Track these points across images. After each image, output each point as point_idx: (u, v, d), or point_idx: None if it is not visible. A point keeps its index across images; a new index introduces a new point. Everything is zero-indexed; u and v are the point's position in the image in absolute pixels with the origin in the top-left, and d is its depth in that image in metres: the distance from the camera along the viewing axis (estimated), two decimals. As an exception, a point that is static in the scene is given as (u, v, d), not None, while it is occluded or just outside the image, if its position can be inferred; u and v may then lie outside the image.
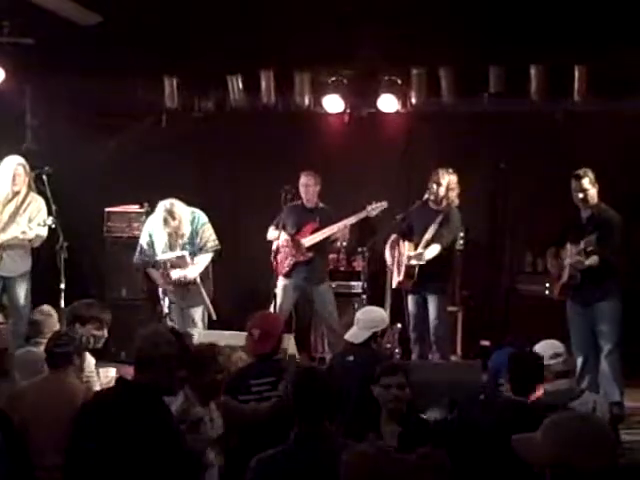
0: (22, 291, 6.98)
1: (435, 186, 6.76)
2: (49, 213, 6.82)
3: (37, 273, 7.11)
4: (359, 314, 5.37)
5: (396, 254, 6.79)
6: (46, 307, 5.69)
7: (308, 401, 3.22)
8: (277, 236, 7.14)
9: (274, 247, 7.20)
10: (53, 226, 6.66)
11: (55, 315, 5.55)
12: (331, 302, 7.30)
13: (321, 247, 7.24)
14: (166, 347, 3.36)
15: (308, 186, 7.23)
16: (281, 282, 7.16)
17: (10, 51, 7.50)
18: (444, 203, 6.77)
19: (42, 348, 4.91)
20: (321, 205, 7.32)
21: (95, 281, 7.96)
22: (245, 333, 4.80)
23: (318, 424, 3.19)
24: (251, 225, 7.67)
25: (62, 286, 6.59)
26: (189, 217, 6.79)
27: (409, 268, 6.65)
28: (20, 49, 7.47)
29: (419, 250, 6.63)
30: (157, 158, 8.03)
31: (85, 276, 7.70)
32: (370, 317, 5.23)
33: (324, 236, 7.17)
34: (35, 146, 8.18)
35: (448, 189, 6.75)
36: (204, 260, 6.84)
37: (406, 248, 6.73)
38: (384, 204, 7.11)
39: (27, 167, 7.03)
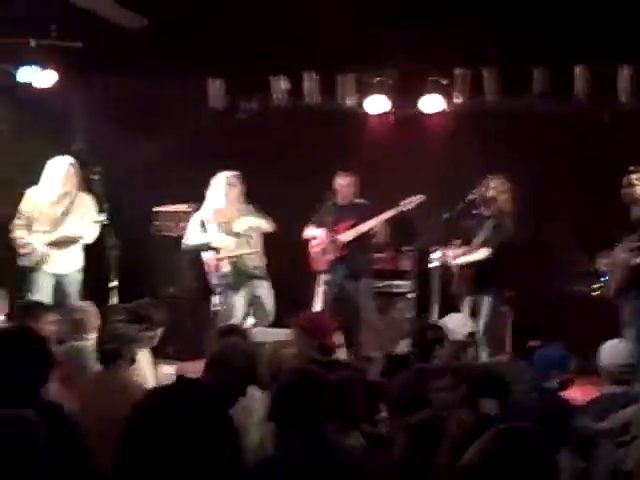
0: (73, 288, 7.09)
1: (485, 190, 6.77)
2: (100, 211, 6.94)
3: (88, 271, 7.23)
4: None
5: (450, 259, 6.80)
6: (85, 304, 5.76)
7: (302, 402, 3.15)
8: (315, 234, 7.25)
9: (312, 244, 7.32)
10: (106, 222, 6.80)
11: (95, 312, 5.59)
12: (370, 299, 7.37)
13: (359, 243, 7.29)
14: (240, 355, 3.37)
15: (342, 186, 7.33)
16: (321, 279, 7.26)
17: (60, 54, 7.65)
18: (494, 207, 6.79)
19: (85, 344, 5.09)
20: (357, 201, 7.39)
21: (144, 278, 8.00)
22: (285, 330, 4.93)
23: (313, 425, 3.10)
24: (293, 224, 7.75)
25: (114, 283, 6.71)
26: None
27: (462, 270, 6.68)
28: (69, 52, 7.59)
29: (470, 254, 6.68)
30: (202, 158, 8.07)
31: (135, 274, 7.70)
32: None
33: (361, 232, 7.23)
34: (84, 146, 8.28)
35: (498, 192, 6.75)
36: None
37: (457, 252, 6.78)
38: (419, 198, 7.15)
39: (77, 167, 7.17)
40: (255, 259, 7.11)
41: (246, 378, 3.42)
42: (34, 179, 7.22)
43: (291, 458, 3.09)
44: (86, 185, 7.15)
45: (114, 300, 6.68)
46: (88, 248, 7.20)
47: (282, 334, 5.62)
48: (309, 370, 3.42)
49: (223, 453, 2.93)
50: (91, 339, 4.98)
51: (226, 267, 7.12)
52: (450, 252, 6.83)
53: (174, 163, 8.15)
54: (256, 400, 3.98)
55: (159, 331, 5.11)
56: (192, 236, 7.26)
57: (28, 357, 3.07)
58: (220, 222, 7.12)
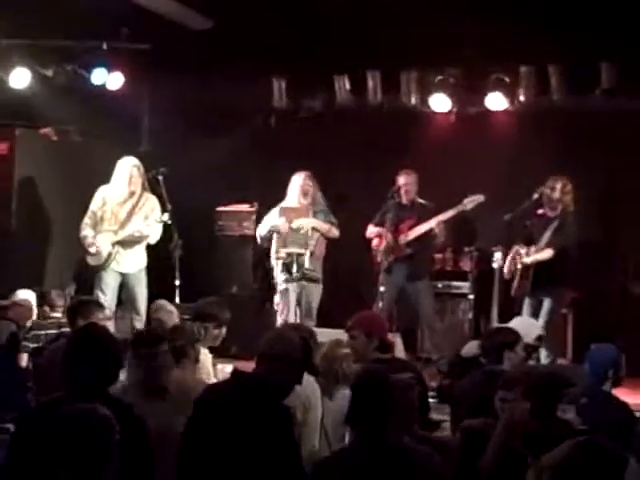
0: (139, 287, 7.19)
1: (549, 191, 6.68)
2: (164, 211, 7.05)
3: (152, 270, 7.30)
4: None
5: (513, 262, 6.73)
6: (165, 303, 5.84)
7: (366, 404, 3.16)
8: (377, 232, 7.27)
9: (374, 244, 7.31)
10: (169, 222, 6.89)
11: (175, 311, 5.71)
12: (430, 300, 7.34)
13: (421, 243, 7.28)
14: (291, 346, 3.33)
15: (407, 184, 7.31)
16: (382, 279, 7.21)
17: (127, 56, 7.78)
18: (559, 208, 6.72)
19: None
20: (419, 201, 7.37)
21: (207, 278, 8.10)
22: (338, 331, 4.88)
23: (376, 428, 3.10)
24: (355, 223, 7.72)
25: (177, 282, 6.84)
26: None
27: (524, 270, 6.62)
28: (137, 54, 7.73)
29: (533, 255, 6.62)
30: (265, 158, 8.18)
31: (198, 273, 7.83)
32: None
33: (422, 232, 7.21)
34: (150, 147, 8.50)
35: (563, 193, 6.67)
36: None
37: (520, 253, 6.70)
38: (480, 198, 7.09)
39: (142, 168, 7.27)
40: (309, 260, 7.10)
41: (299, 367, 3.38)
42: (102, 179, 7.34)
43: (354, 458, 3.12)
44: (151, 185, 7.28)
45: (177, 299, 6.82)
46: (152, 248, 7.26)
47: (338, 334, 5.60)
48: (379, 371, 3.44)
49: (280, 444, 3.14)
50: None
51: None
52: (513, 253, 6.75)
53: (237, 163, 8.24)
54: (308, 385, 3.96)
55: (223, 330, 5.11)
56: (261, 227, 7.36)
57: (98, 355, 3.12)
58: (287, 218, 7.20)
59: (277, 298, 7.12)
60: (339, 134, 8.26)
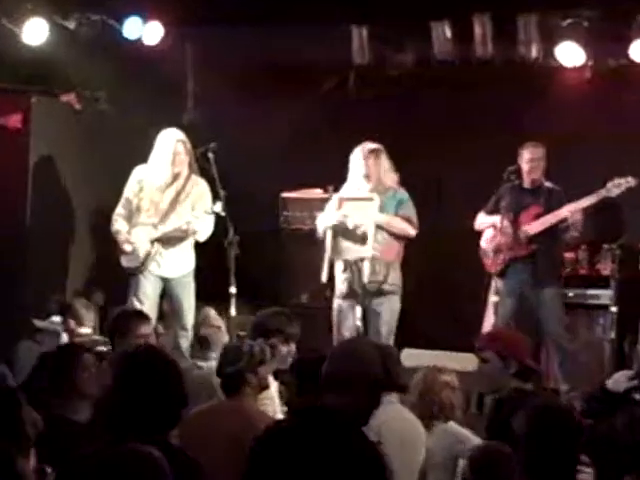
0: (185, 295, 7.18)
1: None
2: (216, 199, 6.98)
3: (201, 274, 7.29)
4: None
5: None
6: (213, 315, 5.99)
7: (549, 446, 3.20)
8: (490, 224, 7.19)
9: (486, 238, 7.29)
10: (223, 213, 6.81)
11: (223, 326, 5.84)
12: (559, 313, 7.27)
13: (548, 238, 7.18)
14: (367, 365, 3.34)
15: (533, 161, 7.25)
16: (494, 285, 7.24)
17: (168, 3, 7.79)
18: None
19: (211, 365, 5.28)
20: (547, 184, 7.30)
21: (270, 283, 8.11)
22: (466, 355, 4.88)
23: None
24: (456, 210, 7.73)
25: (232, 290, 6.79)
26: None
27: None
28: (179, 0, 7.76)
29: None
30: (344, 128, 8.12)
31: (258, 277, 7.88)
32: None
33: (551, 223, 7.13)
34: (197, 117, 8.46)
35: None
36: None
37: None
38: (630, 181, 7.00)
39: (188, 144, 7.24)
40: (372, 267, 6.98)
41: (378, 387, 3.40)
42: (139, 158, 7.35)
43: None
44: (200, 166, 7.25)
45: (233, 310, 6.78)
46: (201, 246, 7.25)
47: (440, 357, 5.68)
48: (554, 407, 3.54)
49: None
50: (214, 359, 5.19)
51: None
52: None
53: (309, 136, 8.23)
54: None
55: (293, 347, 5.17)
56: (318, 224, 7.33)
57: (160, 391, 3.20)
58: (344, 212, 7.09)
59: (334, 315, 7.08)
60: (435, 97, 8.24)
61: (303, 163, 8.25)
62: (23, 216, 7.98)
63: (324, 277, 7.10)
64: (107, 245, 7.41)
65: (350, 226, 7.03)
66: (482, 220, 7.38)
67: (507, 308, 7.21)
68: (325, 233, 7.18)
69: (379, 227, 7.06)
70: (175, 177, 7.22)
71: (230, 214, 6.92)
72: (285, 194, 8.29)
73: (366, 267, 6.95)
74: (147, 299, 7.13)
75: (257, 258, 7.82)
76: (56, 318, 6.97)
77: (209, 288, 7.20)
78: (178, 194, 7.22)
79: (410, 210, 7.18)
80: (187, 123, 8.03)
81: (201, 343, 5.83)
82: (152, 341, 5.26)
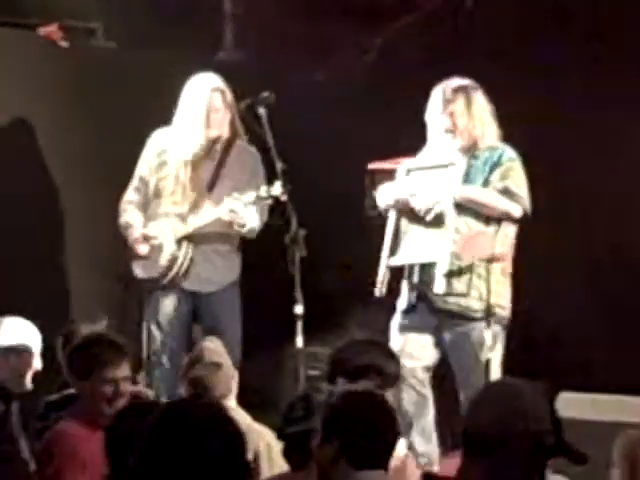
0: (228, 315, 7.12)
1: None
2: (272, 175, 6.80)
3: (250, 285, 7.29)
4: None
5: None
6: (211, 348, 5.87)
7: None
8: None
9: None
10: (283, 198, 6.63)
11: (229, 361, 5.77)
12: None
13: None
14: (530, 419, 3.34)
15: None
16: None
17: None
18: None
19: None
20: None
21: (353, 297, 7.91)
22: None
23: None
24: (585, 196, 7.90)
25: (298, 309, 6.57)
26: None
27: None
28: None
29: None
30: (448, 68, 7.53)
31: (336, 289, 7.95)
32: None
33: None
34: (241, 55, 8.44)
35: None
36: None
37: None
38: None
39: (229, 94, 7.02)
40: (445, 274, 6.58)
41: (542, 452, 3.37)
42: (156, 118, 7.20)
43: None
44: (247, 126, 7.04)
45: (299, 339, 6.62)
46: (249, 244, 7.13)
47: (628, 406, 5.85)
48: None
49: None
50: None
51: None
52: None
53: (394, 82, 8.27)
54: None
55: (390, 394, 5.03)
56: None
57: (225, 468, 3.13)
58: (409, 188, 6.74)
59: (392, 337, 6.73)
60: (593, 26, 8.22)
61: (391, 119, 8.10)
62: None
63: (380, 289, 6.82)
64: (112, 246, 7.32)
65: (418, 207, 6.60)
66: None
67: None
68: (387, 218, 6.87)
69: (461, 207, 6.59)
70: (211, 145, 7.03)
71: (294, 199, 6.67)
72: (373, 165, 7.79)
73: (437, 274, 6.58)
74: (171, 326, 7.07)
75: (333, 261, 7.93)
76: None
77: (263, 306, 7.38)
78: (218, 170, 7.03)
79: (513, 176, 6.64)
80: (225, 62, 8.14)
81: (193, 388, 5.58)
82: (126, 388, 5.20)
